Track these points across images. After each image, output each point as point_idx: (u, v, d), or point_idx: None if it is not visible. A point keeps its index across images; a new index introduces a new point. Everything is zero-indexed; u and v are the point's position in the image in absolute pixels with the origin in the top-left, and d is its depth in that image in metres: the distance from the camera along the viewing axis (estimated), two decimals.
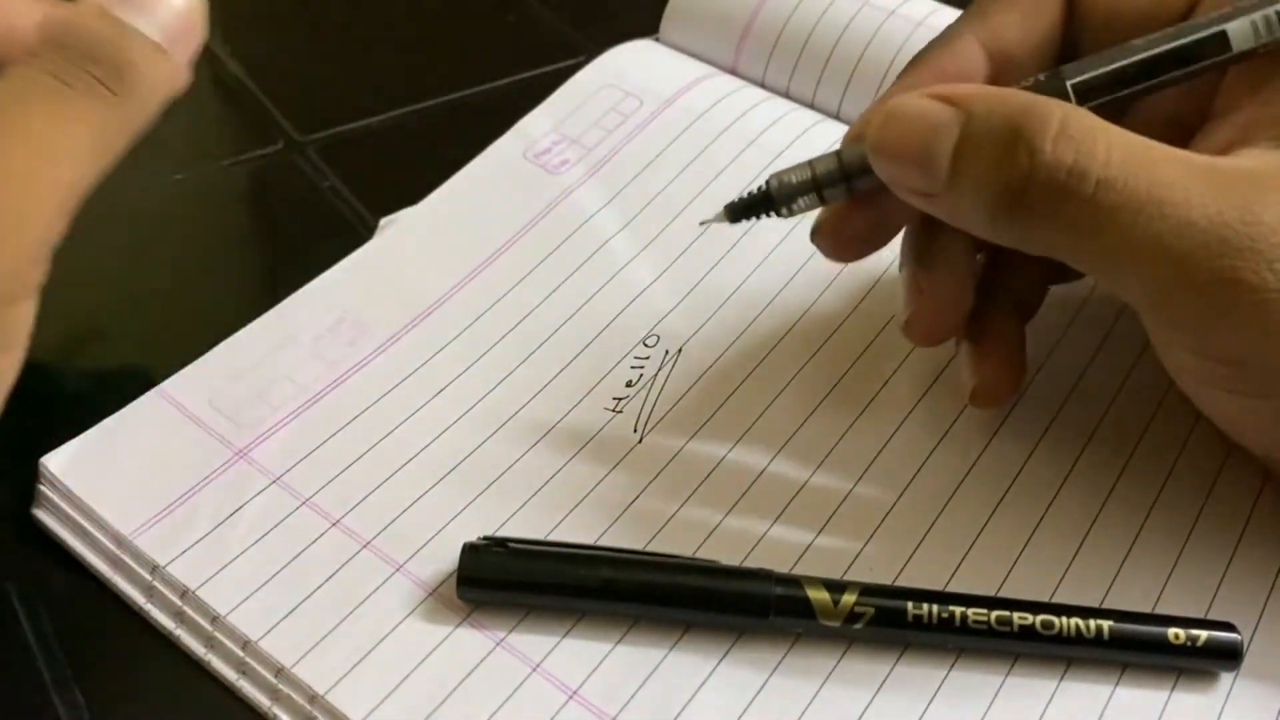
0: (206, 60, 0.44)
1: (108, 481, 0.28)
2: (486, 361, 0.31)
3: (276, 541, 0.27)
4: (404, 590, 0.27)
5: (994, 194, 0.24)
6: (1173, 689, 0.26)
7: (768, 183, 0.27)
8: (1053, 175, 0.23)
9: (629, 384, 0.31)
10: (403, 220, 0.35)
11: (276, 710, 0.25)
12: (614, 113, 0.38)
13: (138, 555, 0.27)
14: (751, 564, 0.27)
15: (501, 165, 0.37)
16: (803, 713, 0.25)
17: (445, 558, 0.27)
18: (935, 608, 0.26)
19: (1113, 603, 0.27)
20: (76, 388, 0.32)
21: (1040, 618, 0.26)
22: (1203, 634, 0.26)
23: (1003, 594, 0.27)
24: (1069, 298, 0.33)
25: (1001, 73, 0.27)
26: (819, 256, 0.29)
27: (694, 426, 0.30)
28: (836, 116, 0.39)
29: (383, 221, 0.36)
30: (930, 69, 0.27)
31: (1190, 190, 0.23)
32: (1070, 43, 0.28)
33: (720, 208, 0.28)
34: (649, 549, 0.28)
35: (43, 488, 0.28)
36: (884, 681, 0.26)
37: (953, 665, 0.26)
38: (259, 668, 0.26)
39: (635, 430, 0.30)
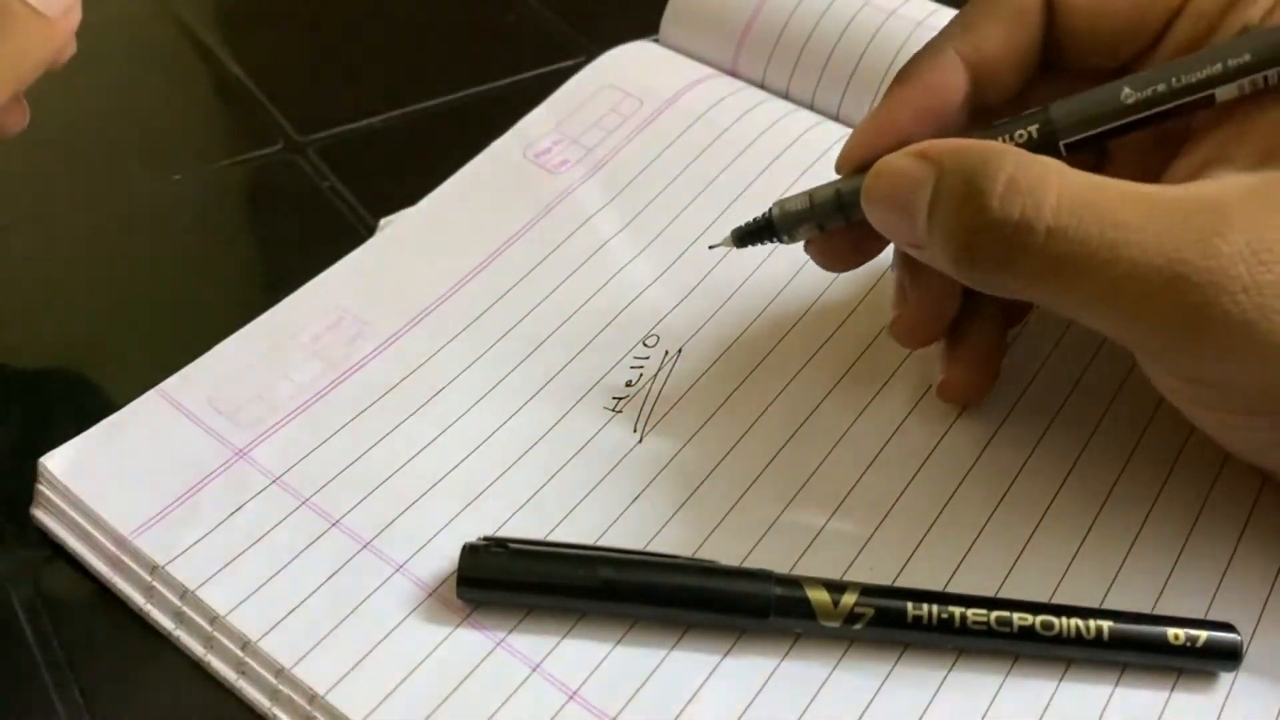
0: (206, 60, 0.44)
1: (107, 481, 0.28)
2: (486, 361, 0.31)
3: (276, 541, 0.27)
4: (404, 590, 0.27)
5: (955, 246, 0.25)
6: (1172, 689, 0.26)
7: (770, 211, 0.29)
8: (1000, 228, 0.24)
9: (629, 384, 0.31)
10: (403, 220, 0.35)
11: (276, 711, 0.25)
12: (614, 113, 0.38)
13: (137, 555, 0.27)
14: (751, 564, 0.27)
15: (501, 165, 0.37)
16: (802, 713, 0.25)
17: (445, 558, 0.27)
18: (935, 608, 0.26)
19: (1112, 603, 0.27)
20: (76, 388, 0.32)
21: (1040, 618, 0.26)
22: (1202, 634, 0.26)
23: (1002, 594, 0.27)
24: None
25: (984, 85, 0.28)
26: None
27: (694, 427, 0.30)
28: (836, 117, 0.39)
29: (383, 221, 0.36)
30: (914, 84, 0.28)
31: (1146, 230, 0.23)
32: (1052, 53, 0.28)
33: (728, 232, 0.30)
34: (649, 549, 0.28)
35: (42, 488, 0.28)
36: (884, 682, 0.26)
37: (952, 666, 0.26)
38: (259, 668, 0.26)
39: (635, 430, 0.30)
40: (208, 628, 0.26)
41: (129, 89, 0.43)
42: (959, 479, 0.30)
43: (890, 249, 0.30)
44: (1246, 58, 0.24)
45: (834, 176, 0.29)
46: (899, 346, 0.31)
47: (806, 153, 0.37)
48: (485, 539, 0.27)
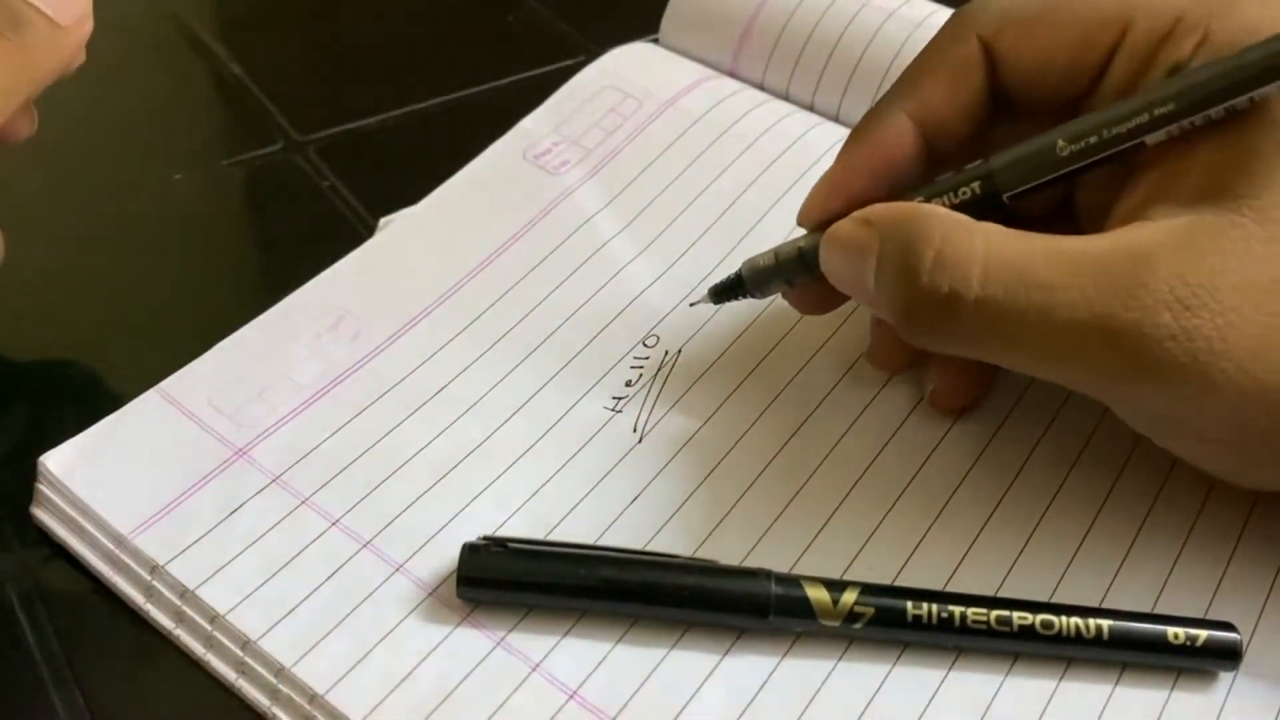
0: (206, 60, 0.44)
1: (107, 480, 0.28)
2: (486, 361, 0.31)
3: (276, 541, 0.27)
4: (404, 590, 0.27)
5: (895, 314, 0.26)
6: (1172, 689, 0.26)
7: (740, 270, 0.30)
8: (931, 300, 0.25)
9: (629, 384, 0.31)
10: (403, 220, 0.35)
11: (276, 710, 0.25)
12: (614, 114, 0.38)
13: (137, 554, 0.27)
14: (751, 564, 0.27)
15: (501, 165, 0.37)
16: (802, 712, 0.25)
17: (445, 557, 0.27)
18: (935, 607, 0.26)
19: (1112, 602, 0.27)
20: (76, 386, 0.32)
21: (1040, 617, 0.26)
22: (1202, 634, 0.26)
23: (1002, 594, 0.27)
24: None
25: (933, 141, 0.28)
26: None
27: (694, 426, 0.30)
28: (836, 118, 0.39)
29: (382, 221, 0.36)
30: (864, 145, 0.29)
31: (1071, 289, 0.24)
32: (1000, 99, 0.29)
33: (706, 291, 0.31)
34: (649, 549, 0.28)
35: (42, 487, 0.28)
36: (884, 681, 0.26)
37: (952, 665, 0.26)
38: (258, 667, 0.26)
39: (635, 430, 0.30)
40: (207, 627, 0.26)
41: (129, 89, 0.43)
42: (959, 478, 0.30)
43: None
44: (1170, 107, 0.25)
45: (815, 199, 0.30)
46: None
47: (806, 154, 0.37)
48: (485, 538, 0.27)
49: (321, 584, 0.27)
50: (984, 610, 0.26)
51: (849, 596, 0.26)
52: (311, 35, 0.45)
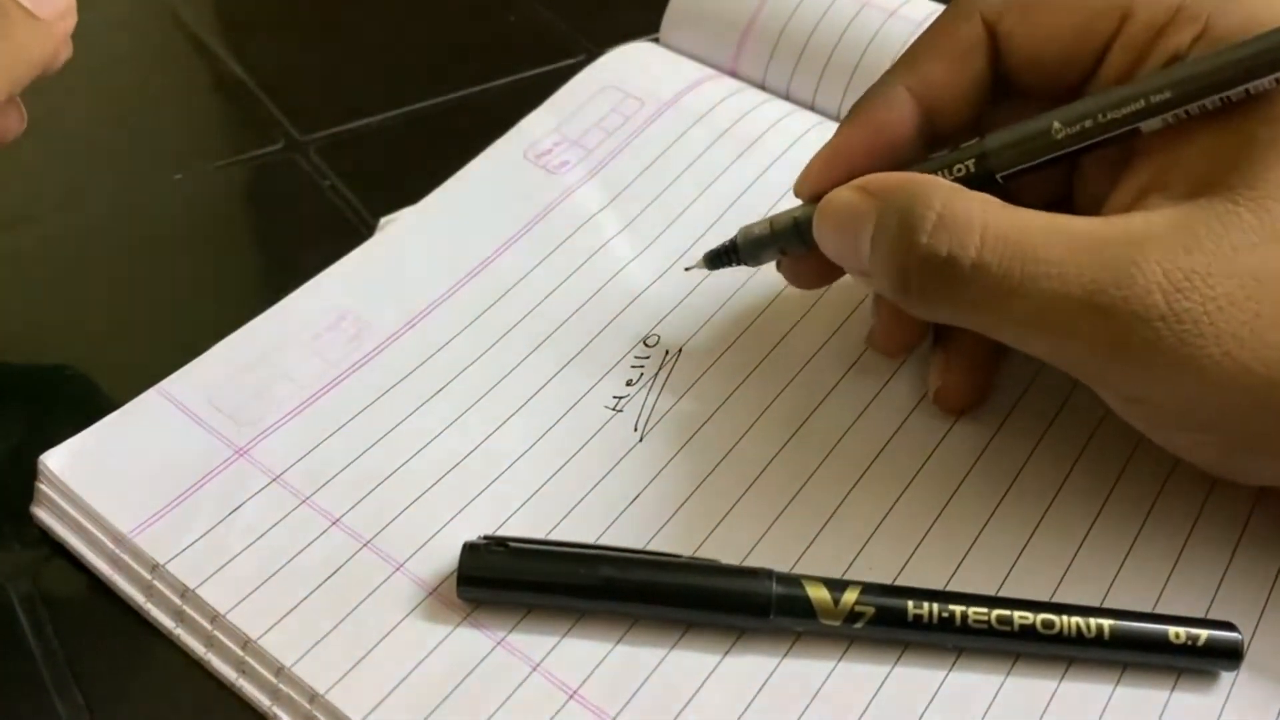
0: (206, 60, 0.44)
1: (107, 480, 0.28)
2: (486, 360, 0.31)
3: (276, 540, 0.27)
4: (404, 589, 0.27)
5: (891, 277, 0.26)
6: (1173, 688, 0.26)
7: (735, 237, 0.31)
8: (929, 263, 0.25)
9: (629, 383, 0.31)
10: (403, 219, 0.35)
11: (276, 710, 0.25)
12: (615, 114, 0.38)
13: (137, 554, 0.27)
14: (752, 563, 0.27)
15: (502, 165, 0.37)
16: (803, 712, 0.25)
17: (445, 557, 0.27)
18: (936, 607, 0.26)
19: (1113, 602, 0.27)
20: (76, 385, 0.32)
21: (1041, 617, 0.26)
22: (1203, 633, 0.26)
23: (1003, 593, 0.27)
24: None
25: (933, 119, 0.29)
26: None
27: (694, 426, 0.30)
28: (837, 118, 0.39)
29: (382, 221, 0.36)
30: (864, 120, 0.29)
31: (1066, 264, 0.24)
32: (1002, 81, 0.29)
33: (700, 256, 0.32)
34: (649, 548, 0.28)
35: (42, 486, 0.28)
36: (884, 681, 0.26)
37: (953, 665, 0.26)
38: (259, 667, 0.26)
39: (636, 429, 0.30)
40: (208, 626, 0.26)
41: (129, 89, 0.43)
42: (960, 477, 0.30)
43: None
44: (1167, 95, 0.25)
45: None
46: None
47: (807, 153, 0.36)
48: (485, 538, 0.27)
49: (322, 583, 0.27)
50: (985, 610, 0.26)
51: (850, 596, 0.26)
52: (311, 35, 0.45)
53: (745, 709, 0.25)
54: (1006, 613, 0.26)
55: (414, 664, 0.26)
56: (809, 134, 0.38)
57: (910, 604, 0.26)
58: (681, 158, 0.37)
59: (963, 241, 0.25)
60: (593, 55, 0.41)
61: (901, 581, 0.27)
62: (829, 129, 0.38)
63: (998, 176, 0.27)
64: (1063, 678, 0.26)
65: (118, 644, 0.27)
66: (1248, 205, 0.24)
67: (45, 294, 0.35)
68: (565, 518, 0.28)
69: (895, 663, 0.26)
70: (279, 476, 0.29)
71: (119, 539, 0.27)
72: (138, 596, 0.27)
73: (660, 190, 0.36)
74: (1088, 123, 0.26)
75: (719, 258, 0.31)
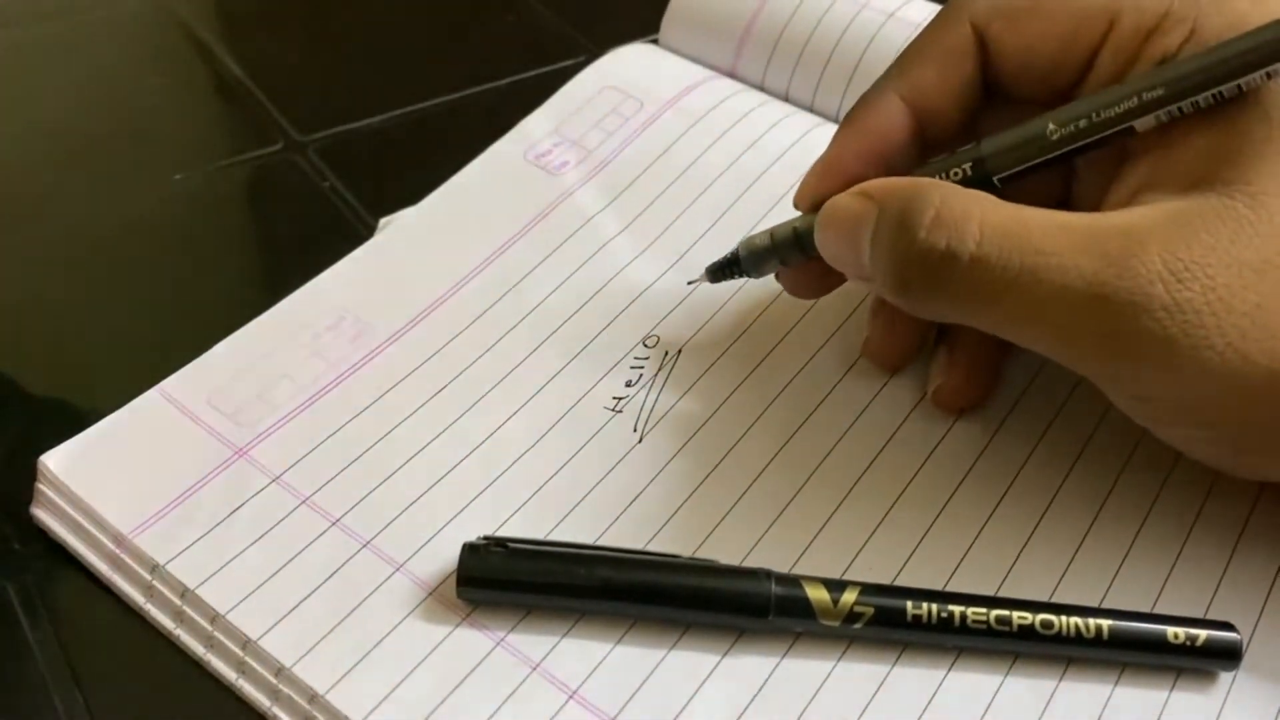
0: (206, 60, 0.44)
1: (107, 480, 0.28)
2: (486, 361, 0.31)
3: (276, 541, 0.27)
4: (404, 590, 0.27)
5: (890, 275, 0.26)
6: (1172, 688, 0.26)
7: (737, 249, 0.31)
8: (928, 258, 0.25)
9: (629, 384, 0.31)
10: (403, 220, 0.35)
11: (276, 710, 0.25)
12: (614, 115, 0.38)
13: (137, 554, 0.27)
14: (751, 564, 0.27)
15: (502, 166, 0.37)
16: (802, 712, 0.25)
17: (445, 557, 0.27)
18: (935, 607, 0.26)
19: (1112, 602, 0.27)
20: (76, 386, 0.32)
21: (1040, 617, 0.26)
22: (1202, 633, 0.26)
23: (1002, 593, 0.27)
24: None
25: (927, 122, 0.29)
26: None
27: (694, 426, 0.30)
28: (836, 119, 0.39)
29: (382, 221, 0.36)
30: (858, 128, 0.29)
31: (1065, 256, 0.24)
32: (993, 86, 0.29)
33: (703, 270, 0.32)
34: (649, 549, 0.28)
35: (42, 486, 0.28)
36: (883, 681, 0.26)
37: (952, 665, 0.26)
38: (259, 667, 0.26)
39: (635, 430, 0.30)
40: (208, 627, 0.26)
41: (129, 89, 0.43)
42: (959, 478, 0.30)
43: None
44: (1160, 93, 0.25)
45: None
46: None
47: (806, 155, 0.37)
48: (485, 538, 0.27)
49: (322, 584, 0.27)
50: (984, 610, 0.26)
51: (849, 596, 0.26)
52: (311, 35, 0.45)
53: (744, 709, 0.25)
54: (1005, 613, 0.26)
55: (414, 664, 0.26)
56: (808, 135, 0.38)
57: (909, 604, 0.26)
58: (681, 159, 0.37)
59: (960, 235, 0.25)
60: (593, 55, 0.41)
61: (900, 582, 0.27)
62: (828, 130, 0.38)
63: (995, 179, 0.27)
64: (1062, 678, 0.26)
65: (118, 644, 0.27)
66: (1243, 200, 0.24)
67: (45, 294, 0.35)
68: (565, 518, 0.28)
69: (894, 663, 0.26)
70: (279, 477, 0.29)
71: (119, 539, 0.27)
72: (137, 597, 0.27)
73: (660, 191, 0.36)
74: (1082, 122, 0.26)
75: (721, 270, 0.31)
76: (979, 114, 0.29)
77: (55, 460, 0.28)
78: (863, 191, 0.27)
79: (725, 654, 0.26)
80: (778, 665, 0.26)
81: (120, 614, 0.27)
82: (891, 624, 0.26)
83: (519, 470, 0.29)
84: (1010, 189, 0.27)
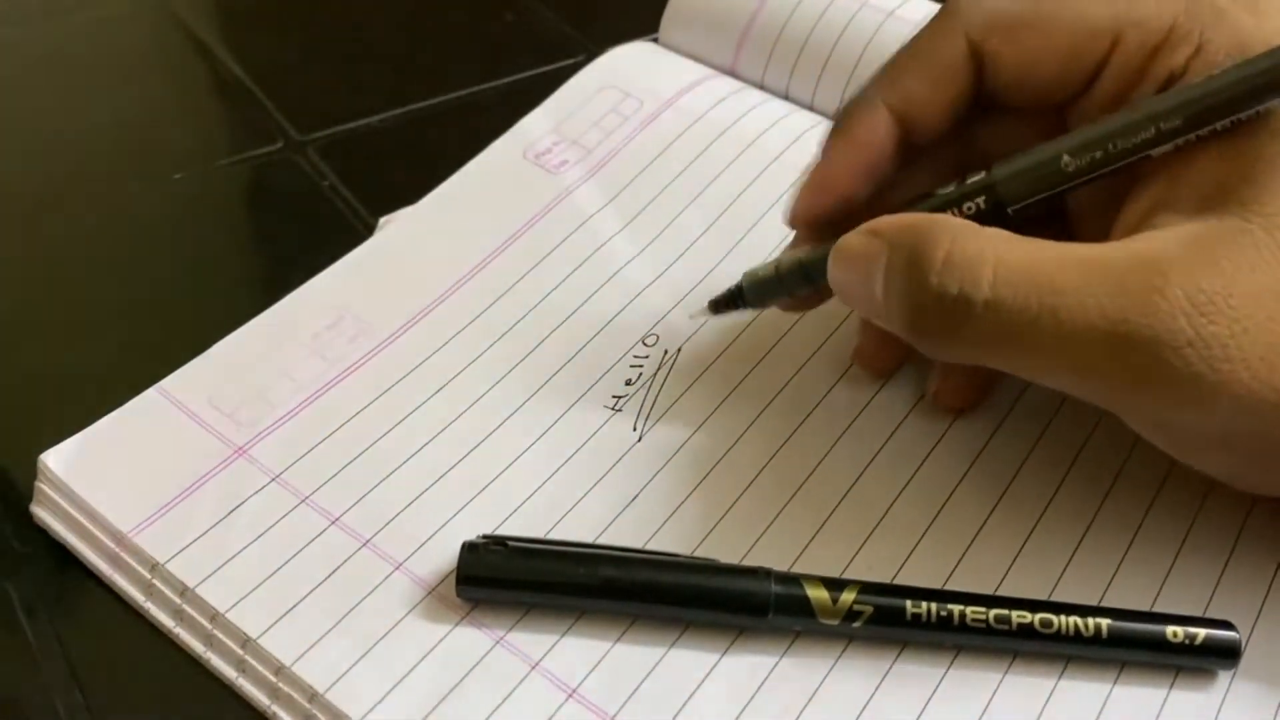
0: (206, 60, 0.44)
1: (107, 479, 0.28)
2: (486, 360, 0.32)
3: (276, 539, 0.27)
4: (403, 588, 0.27)
5: (904, 319, 0.26)
6: (1171, 687, 0.26)
7: (741, 282, 0.30)
8: (941, 302, 0.24)
9: (628, 383, 0.31)
10: (403, 220, 0.35)
11: (276, 708, 0.25)
12: (614, 114, 0.38)
13: (137, 553, 0.27)
14: (750, 562, 0.27)
15: (501, 165, 0.37)
16: (801, 711, 0.25)
17: (444, 556, 0.27)
18: (934, 606, 0.26)
19: (1111, 601, 0.27)
20: (75, 385, 0.32)
21: (1039, 616, 0.26)
22: (1201, 632, 0.26)
23: (1001, 592, 0.27)
24: None
25: (912, 133, 0.28)
26: None
27: (693, 425, 0.30)
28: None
29: (382, 220, 0.36)
30: (847, 143, 0.28)
31: (1084, 293, 0.23)
32: (985, 96, 0.28)
33: (706, 302, 0.31)
34: (648, 548, 0.28)
35: (41, 485, 0.28)
36: (883, 680, 0.26)
37: (951, 663, 0.26)
38: (258, 666, 0.26)
39: (635, 429, 0.30)
40: (207, 625, 0.26)
41: (129, 89, 0.43)
42: (958, 477, 0.30)
43: None
44: (1177, 123, 0.25)
45: None
46: None
47: (805, 154, 0.37)
48: (484, 537, 0.27)
49: (321, 582, 0.27)
50: (983, 609, 0.26)
51: (848, 595, 0.26)
52: (311, 35, 0.45)
53: (744, 708, 0.25)
54: (1005, 611, 0.26)
55: (413, 663, 0.26)
56: (808, 134, 0.38)
57: (909, 603, 0.26)
58: (680, 157, 0.37)
59: (974, 278, 0.24)
60: (593, 55, 0.41)
61: (900, 580, 0.27)
62: (827, 129, 0.38)
63: (1009, 209, 0.27)
64: (1061, 676, 0.26)
65: (118, 643, 0.27)
66: (1260, 223, 0.24)
67: (45, 293, 0.35)
68: (564, 517, 0.28)
69: (894, 662, 0.26)
70: (278, 476, 0.29)
71: (119, 538, 0.27)
72: (137, 595, 0.27)
73: (659, 190, 0.36)
74: (1098, 153, 0.26)
75: (724, 304, 0.31)
76: (967, 122, 0.29)
77: (55, 459, 0.28)
78: (873, 230, 0.26)
79: (724, 653, 0.26)
80: (777, 664, 0.26)
81: (120, 612, 0.27)
82: (891, 623, 0.26)
83: (518, 469, 0.29)
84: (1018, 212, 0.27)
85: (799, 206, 0.29)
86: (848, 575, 0.27)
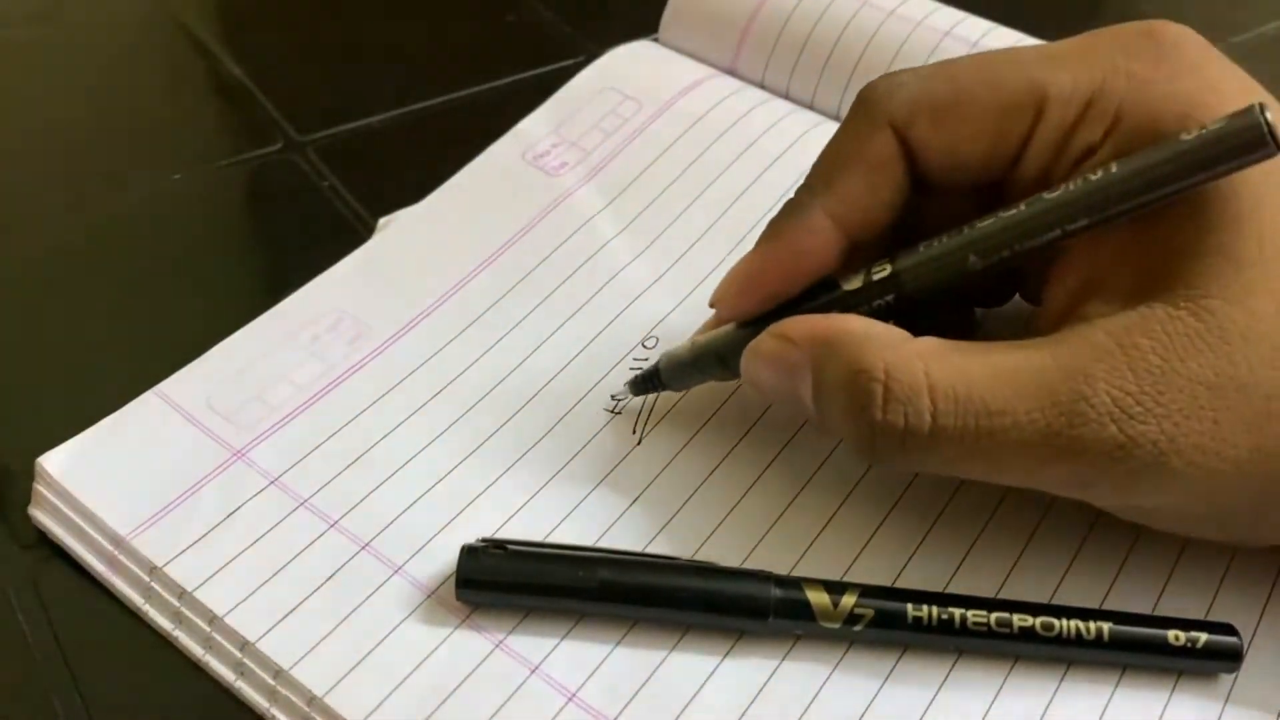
0: (206, 60, 0.44)
1: (105, 482, 0.28)
2: (485, 363, 0.31)
3: (274, 542, 0.27)
4: (402, 592, 0.27)
5: (855, 446, 0.26)
6: (1173, 691, 0.26)
7: (658, 363, 0.30)
8: (888, 436, 0.25)
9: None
10: (403, 221, 0.35)
11: (275, 712, 0.25)
12: (613, 116, 0.38)
13: (135, 556, 0.27)
14: (751, 566, 0.27)
15: (500, 167, 0.37)
16: (802, 715, 0.25)
17: (443, 559, 0.27)
18: (935, 609, 0.26)
19: (1113, 604, 0.27)
20: (75, 388, 0.32)
21: (1040, 619, 0.26)
22: (1203, 636, 0.26)
23: (1003, 595, 0.27)
24: None
25: (854, 233, 0.27)
26: None
27: (693, 428, 0.30)
28: (836, 117, 0.39)
29: (382, 221, 0.36)
30: (783, 246, 0.28)
31: (1018, 412, 0.24)
32: (919, 183, 0.28)
33: (624, 383, 0.31)
34: (648, 552, 0.28)
35: (40, 487, 0.28)
36: (884, 683, 0.26)
37: (953, 667, 0.26)
38: (257, 669, 0.26)
39: (634, 432, 0.30)
40: (206, 628, 0.26)
41: (129, 89, 0.43)
42: (958, 480, 0.29)
43: None
44: (1084, 222, 0.25)
45: None
46: None
47: (805, 154, 0.36)
48: (484, 540, 0.27)
49: (320, 585, 0.27)
50: (984, 612, 0.26)
51: (849, 598, 0.26)
52: (311, 35, 0.45)
53: (744, 712, 0.25)
54: (1006, 615, 0.26)
55: (412, 666, 0.26)
56: (807, 135, 0.38)
57: (909, 606, 0.26)
58: (680, 159, 0.37)
59: (916, 409, 0.24)
60: (593, 55, 0.41)
61: (901, 584, 0.27)
62: (828, 129, 0.38)
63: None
64: (1062, 680, 0.26)
65: (116, 646, 0.27)
66: (1188, 308, 0.24)
67: (44, 295, 0.35)
68: (563, 521, 0.28)
69: (895, 665, 0.26)
70: (277, 479, 0.29)
71: (117, 541, 0.27)
72: (136, 598, 0.27)
73: (659, 191, 0.36)
74: (1005, 253, 0.25)
75: (643, 383, 0.30)
76: (906, 210, 0.28)
77: (53, 461, 0.28)
78: (785, 336, 0.26)
79: (725, 656, 0.26)
80: (778, 668, 0.26)
81: (118, 615, 0.27)
82: (892, 626, 0.26)
83: (518, 472, 0.29)
84: None
85: (723, 297, 0.29)
86: (849, 578, 0.27)
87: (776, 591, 0.26)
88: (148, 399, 0.30)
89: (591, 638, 0.26)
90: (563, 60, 0.43)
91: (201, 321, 0.33)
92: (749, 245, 0.34)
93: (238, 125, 0.41)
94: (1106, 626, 0.26)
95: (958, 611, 0.26)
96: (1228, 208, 0.24)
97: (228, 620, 0.26)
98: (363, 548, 0.27)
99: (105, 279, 0.35)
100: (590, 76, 0.39)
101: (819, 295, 0.27)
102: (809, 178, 0.28)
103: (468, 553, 0.26)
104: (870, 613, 0.26)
